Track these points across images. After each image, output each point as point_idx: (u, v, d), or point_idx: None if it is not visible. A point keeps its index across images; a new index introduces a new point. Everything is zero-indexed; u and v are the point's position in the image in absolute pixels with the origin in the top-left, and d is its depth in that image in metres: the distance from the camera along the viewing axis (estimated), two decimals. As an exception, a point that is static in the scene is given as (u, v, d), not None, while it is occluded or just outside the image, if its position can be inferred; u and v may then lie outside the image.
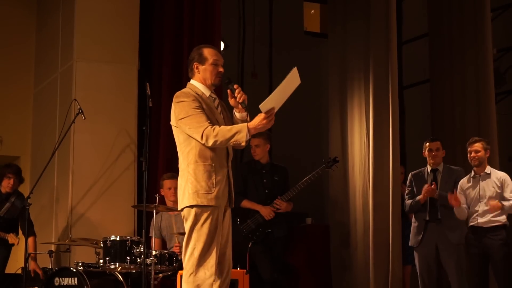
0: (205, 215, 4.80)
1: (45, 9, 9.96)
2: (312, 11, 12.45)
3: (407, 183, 7.91)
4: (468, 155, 7.51)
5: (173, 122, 4.96)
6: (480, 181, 7.42)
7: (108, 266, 6.92)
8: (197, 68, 5.02)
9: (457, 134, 9.47)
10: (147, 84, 7.00)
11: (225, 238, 4.97)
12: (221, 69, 5.01)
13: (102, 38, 8.79)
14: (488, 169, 7.47)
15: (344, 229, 9.12)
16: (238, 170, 8.29)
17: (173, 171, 7.83)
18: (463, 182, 7.55)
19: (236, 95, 4.86)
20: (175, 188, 7.53)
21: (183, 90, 5.01)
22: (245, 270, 7.10)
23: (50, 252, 7.50)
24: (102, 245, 7.05)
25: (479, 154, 7.44)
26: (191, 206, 4.82)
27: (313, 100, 11.64)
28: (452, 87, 9.76)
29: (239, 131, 4.71)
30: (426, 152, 7.76)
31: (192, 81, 5.06)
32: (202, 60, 5.00)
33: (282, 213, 7.83)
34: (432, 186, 7.49)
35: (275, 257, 7.88)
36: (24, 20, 10.15)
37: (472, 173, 7.51)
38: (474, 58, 9.50)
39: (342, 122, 9.39)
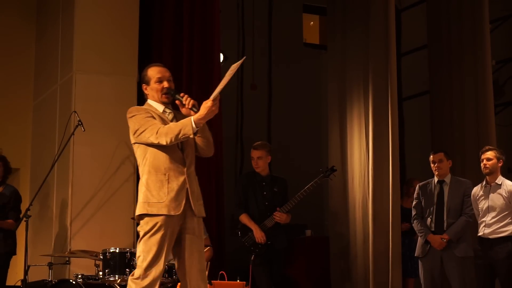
0: (155, 225, 4.79)
1: (44, 20, 9.97)
2: (312, 23, 12.50)
3: (415, 195, 7.85)
4: (481, 164, 7.40)
5: (131, 139, 5.02)
6: (491, 192, 7.33)
7: (107, 278, 6.90)
8: (146, 89, 5.15)
9: (456, 146, 9.48)
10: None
11: (190, 249, 4.93)
12: (166, 85, 5.07)
13: (102, 50, 8.80)
14: (500, 179, 7.33)
15: (343, 240, 9.12)
16: (237, 182, 8.29)
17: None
18: (475, 190, 7.45)
19: (184, 102, 4.91)
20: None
21: (136, 106, 5.13)
22: (244, 282, 7.09)
23: (50, 264, 7.48)
24: (101, 257, 7.03)
25: (490, 162, 7.31)
26: (142, 216, 4.85)
27: (312, 112, 11.67)
28: (451, 98, 9.79)
29: (185, 125, 4.76)
30: (431, 164, 7.72)
31: (147, 101, 5.15)
32: (147, 81, 5.13)
33: (281, 225, 7.82)
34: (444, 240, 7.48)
35: (275, 270, 7.85)
36: (23, 31, 10.15)
37: (484, 182, 7.41)
38: (473, 69, 9.54)
39: (342, 134, 9.40)
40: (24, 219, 7.81)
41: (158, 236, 4.79)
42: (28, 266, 7.68)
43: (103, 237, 8.29)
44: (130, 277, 4.85)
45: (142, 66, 9.12)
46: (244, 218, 7.75)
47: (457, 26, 9.84)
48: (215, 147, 8.93)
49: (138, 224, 4.92)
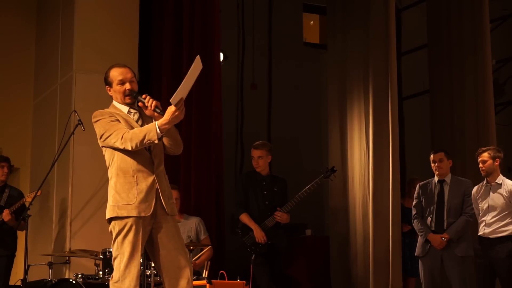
0: (126, 227, 4.81)
1: (44, 20, 9.97)
2: (312, 22, 12.50)
3: (415, 194, 7.85)
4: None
5: (99, 143, 5.02)
6: (491, 192, 7.33)
7: (107, 277, 6.90)
8: (109, 91, 5.11)
9: (456, 145, 9.48)
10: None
11: (167, 248, 4.91)
12: (128, 87, 5.04)
13: (102, 49, 8.79)
14: (500, 179, 7.31)
15: (343, 240, 9.11)
16: (238, 181, 8.29)
17: (172, 184, 7.82)
18: (476, 189, 7.45)
19: (146, 104, 4.90)
20: (175, 199, 7.55)
21: (100, 110, 5.07)
22: (244, 282, 7.09)
23: (50, 264, 7.48)
24: (101, 256, 7.04)
25: (486, 164, 7.30)
26: (112, 219, 4.86)
27: (312, 111, 11.66)
28: (451, 98, 9.78)
29: (149, 131, 4.76)
30: (431, 164, 7.70)
31: (113, 102, 5.13)
32: (110, 83, 5.08)
33: (282, 225, 7.83)
34: (444, 239, 7.47)
35: (275, 269, 7.86)
36: (23, 31, 10.16)
37: (484, 182, 7.39)
38: (474, 69, 9.54)
39: (342, 133, 9.39)
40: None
41: (130, 236, 4.80)
42: (28, 266, 7.68)
43: (103, 237, 8.25)
44: (110, 281, 4.88)
45: (142, 66, 9.18)
46: (245, 218, 7.76)
47: (457, 25, 9.83)
48: (215, 146, 9.08)
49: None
